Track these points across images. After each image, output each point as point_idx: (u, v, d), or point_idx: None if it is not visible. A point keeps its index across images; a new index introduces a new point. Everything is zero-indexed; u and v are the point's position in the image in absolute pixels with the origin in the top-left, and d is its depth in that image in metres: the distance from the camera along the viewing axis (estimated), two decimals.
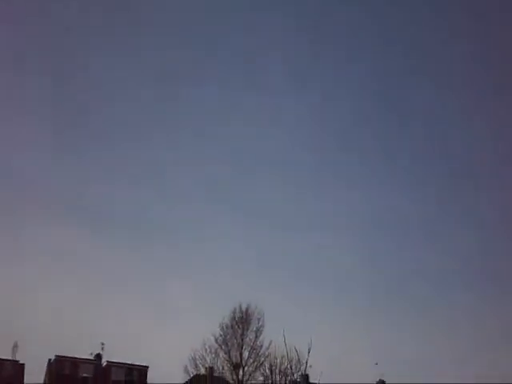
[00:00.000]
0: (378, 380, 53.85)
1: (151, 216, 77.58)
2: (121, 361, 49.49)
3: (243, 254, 78.85)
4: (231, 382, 46.19)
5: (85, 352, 48.72)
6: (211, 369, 46.62)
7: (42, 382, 49.08)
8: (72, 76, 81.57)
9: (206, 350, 45.97)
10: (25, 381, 46.34)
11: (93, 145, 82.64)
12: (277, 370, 44.57)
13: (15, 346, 45.89)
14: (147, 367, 50.23)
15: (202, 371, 46.60)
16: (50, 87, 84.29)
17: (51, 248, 70.59)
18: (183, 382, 47.91)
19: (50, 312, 59.82)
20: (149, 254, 74.20)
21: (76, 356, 48.30)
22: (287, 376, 43.89)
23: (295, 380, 43.71)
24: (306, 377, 43.76)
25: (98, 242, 72.69)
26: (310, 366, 39.24)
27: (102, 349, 49.49)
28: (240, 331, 46.44)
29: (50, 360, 48.98)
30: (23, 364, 46.61)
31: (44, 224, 68.27)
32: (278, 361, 44.16)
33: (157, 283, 70.83)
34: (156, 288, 70.78)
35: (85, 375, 48.43)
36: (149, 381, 50.18)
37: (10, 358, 45.91)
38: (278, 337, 38.25)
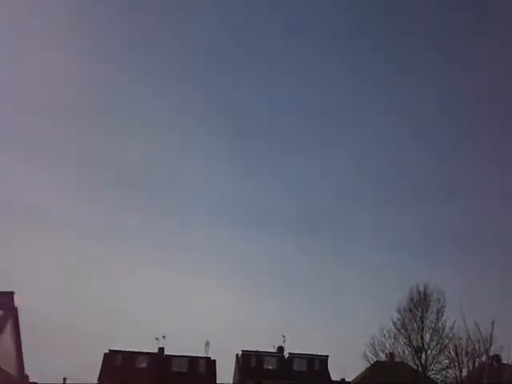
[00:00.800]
0: None
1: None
2: (301, 352, 51.17)
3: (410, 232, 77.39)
4: (413, 366, 44.53)
5: (268, 346, 51.22)
6: (391, 354, 45.74)
7: (231, 375, 52.54)
8: None
9: (384, 335, 45.03)
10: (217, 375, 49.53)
11: None
12: (463, 352, 41.65)
13: (207, 344, 49.78)
14: (327, 356, 51.40)
15: (382, 357, 45.79)
16: None
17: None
18: (363, 369, 48.27)
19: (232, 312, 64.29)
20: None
21: (260, 350, 50.74)
22: (475, 358, 41.27)
23: (484, 362, 40.94)
24: (497, 357, 41.45)
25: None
26: (502, 347, 37.86)
27: (284, 341, 51.60)
28: (419, 314, 44.63)
29: (237, 355, 52.24)
30: (214, 360, 49.96)
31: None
32: (464, 342, 41.18)
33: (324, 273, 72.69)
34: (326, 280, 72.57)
35: (269, 367, 50.58)
36: (330, 370, 51.25)
37: (203, 355, 49.74)
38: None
